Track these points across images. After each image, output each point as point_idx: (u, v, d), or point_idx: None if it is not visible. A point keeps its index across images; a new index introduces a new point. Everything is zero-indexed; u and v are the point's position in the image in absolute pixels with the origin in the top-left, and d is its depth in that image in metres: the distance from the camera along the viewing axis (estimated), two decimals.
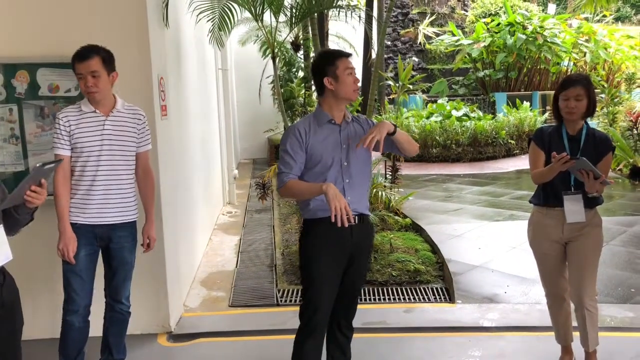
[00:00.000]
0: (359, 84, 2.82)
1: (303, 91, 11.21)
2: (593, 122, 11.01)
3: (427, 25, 18.32)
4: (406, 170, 9.84)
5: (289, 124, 4.77)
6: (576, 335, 3.36)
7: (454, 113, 13.55)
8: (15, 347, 2.44)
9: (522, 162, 12.21)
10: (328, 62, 2.82)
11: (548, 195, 3.23)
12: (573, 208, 3.12)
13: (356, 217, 2.80)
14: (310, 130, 2.82)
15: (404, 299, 4.64)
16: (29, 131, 3.71)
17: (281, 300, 4.61)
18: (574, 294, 3.24)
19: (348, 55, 2.86)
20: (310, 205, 2.81)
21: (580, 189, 3.11)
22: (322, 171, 2.79)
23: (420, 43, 18.89)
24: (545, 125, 3.64)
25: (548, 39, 15.96)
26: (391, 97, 14.88)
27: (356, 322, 3.14)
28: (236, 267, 5.53)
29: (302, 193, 2.81)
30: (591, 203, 3.18)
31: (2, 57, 3.65)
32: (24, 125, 3.70)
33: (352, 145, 2.83)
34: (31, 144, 3.73)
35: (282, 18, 5.59)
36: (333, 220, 2.53)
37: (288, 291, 4.76)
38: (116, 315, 3.38)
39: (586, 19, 18.40)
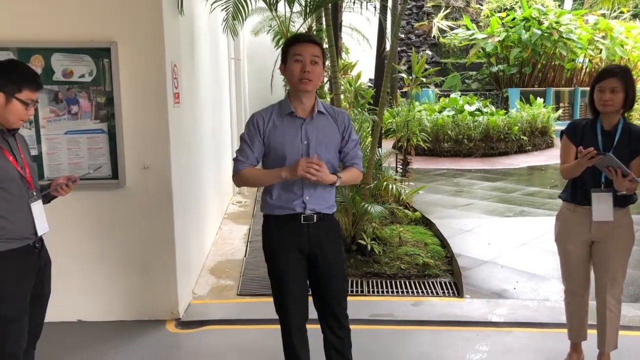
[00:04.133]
0: (310, 74, 2.57)
1: None
2: None
3: (442, 19, 18.20)
4: (417, 164, 9.82)
5: None
6: (592, 334, 3.33)
7: (467, 108, 13.50)
8: (41, 313, 2.67)
9: (534, 159, 12.15)
10: (285, 46, 2.65)
11: (576, 192, 3.12)
12: (601, 206, 3.00)
13: (314, 215, 2.70)
14: (270, 121, 2.67)
15: (412, 292, 4.64)
16: (42, 116, 3.73)
17: None
18: (597, 293, 3.18)
19: (307, 40, 2.62)
20: (269, 201, 2.72)
21: (611, 186, 2.96)
22: (278, 164, 2.65)
23: (434, 36, 18.79)
24: (579, 118, 3.48)
25: (564, 35, 15.82)
26: (404, 90, 14.83)
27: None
28: (245, 256, 5.55)
29: (259, 180, 2.72)
30: (623, 202, 3.04)
31: (18, 42, 3.66)
32: (38, 110, 3.72)
33: (312, 142, 2.66)
34: (45, 129, 3.75)
35: (296, 8, 5.57)
36: (302, 174, 2.49)
37: None
38: None
39: (603, 15, 18.22)
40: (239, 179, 2.72)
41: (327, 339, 2.90)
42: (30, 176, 2.54)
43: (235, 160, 2.71)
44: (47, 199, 2.65)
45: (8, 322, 2.40)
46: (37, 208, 2.53)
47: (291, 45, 2.62)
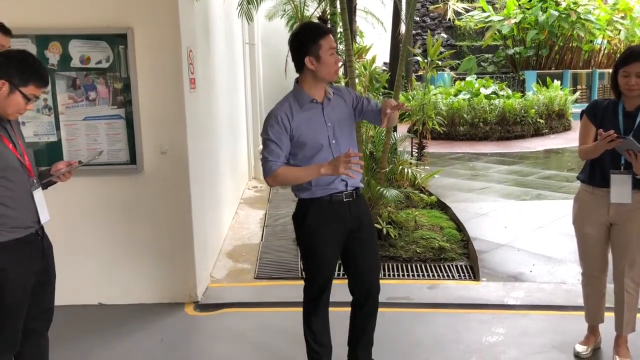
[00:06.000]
0: (340, 64, 2.68)
1: None
2: None
3: (457, 1, 17.93)
4: (432, 148, 9.78)
5: None
6: (610, 316, 3.32)
7: (483, 91, 13.38)
8: (50, 299, 2.65)
9: (550, 142, 12.03)
10: (311, 40, 2.64)
11: (595, 174, 3.09)
12: (619, 188, 2.97)
13: (353, 192, 2.79)
14: (293, 114, 2.67)
15: (428, 275, 4.65)
16: (61, 102, 3.78)
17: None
18: (615, 276, 3.16)
19: (330, 32, 2.70)
20: (307, 185, 2.73)
21: (630, 168, 2.92)
22: (313, 154, 2.68)
23: (449, 19, 18.50)
24: (600, 98, 3.30)
25: (582, 16, 15.53)
26: (419, 73, 14.72)
27: (380, 297, 3.13)
28: (261, 240, 5.59)
29: (298, 177, 2.69)
30: None
31: (35, 29, 3.69)
32: (57, 96, 3.77)
33: (335, 123, 2.74)
34: (63, 115, 3.79)
35: None
36: (344, 172, 2.50)
37: None
38: None
39: None
40: (275, 178, 2.67)
41: (357, 318, 2.98)
42: (29, 163, 2.48)
43: (265, 161, 2.68)
44: (46, 185, 2.60)
45: (11, 310, 2.39)
46: (39, 196, 2.49)
47: (322, 38, 2.62)
